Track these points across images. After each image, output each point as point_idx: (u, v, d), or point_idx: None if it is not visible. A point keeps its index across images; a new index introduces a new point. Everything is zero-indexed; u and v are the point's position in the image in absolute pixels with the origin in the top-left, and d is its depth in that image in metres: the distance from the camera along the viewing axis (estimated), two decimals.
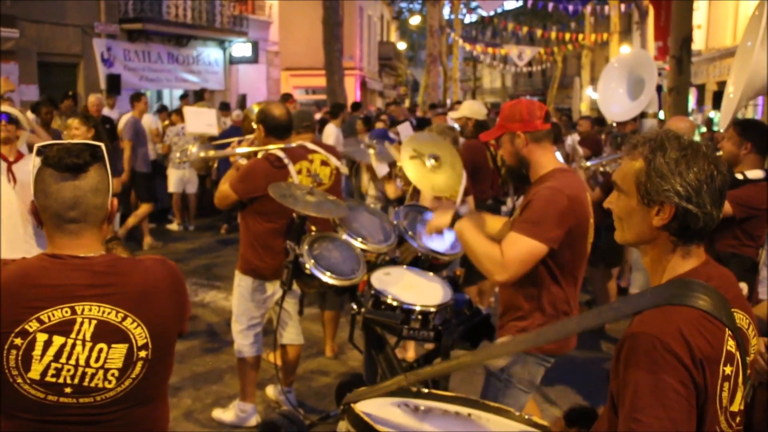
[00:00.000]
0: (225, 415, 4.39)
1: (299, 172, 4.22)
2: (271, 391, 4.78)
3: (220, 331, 5.94)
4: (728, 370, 1.53)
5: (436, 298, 3.36)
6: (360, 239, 3.71)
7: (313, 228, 3.87)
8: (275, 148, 4.13)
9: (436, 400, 2.32)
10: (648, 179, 1.62)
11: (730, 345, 1.55)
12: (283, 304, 4.29)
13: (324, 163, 4.69)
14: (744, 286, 3.70)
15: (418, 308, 3.26)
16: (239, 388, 4.41)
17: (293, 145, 4.25)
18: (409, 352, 5.22)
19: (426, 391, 2.34)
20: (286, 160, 4.15)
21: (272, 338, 4.44)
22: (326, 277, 3.46)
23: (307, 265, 3.47)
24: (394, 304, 3.27)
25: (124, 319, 1.76)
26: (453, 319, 3.33)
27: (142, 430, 1.89)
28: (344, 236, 3.72)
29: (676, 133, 1.66)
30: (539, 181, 2.90)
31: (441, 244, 3.76)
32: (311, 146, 4.70)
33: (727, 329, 1.55)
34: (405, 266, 3.71)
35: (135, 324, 1.77)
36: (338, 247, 3.67)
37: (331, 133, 10.04)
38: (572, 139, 9.65)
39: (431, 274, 3.67)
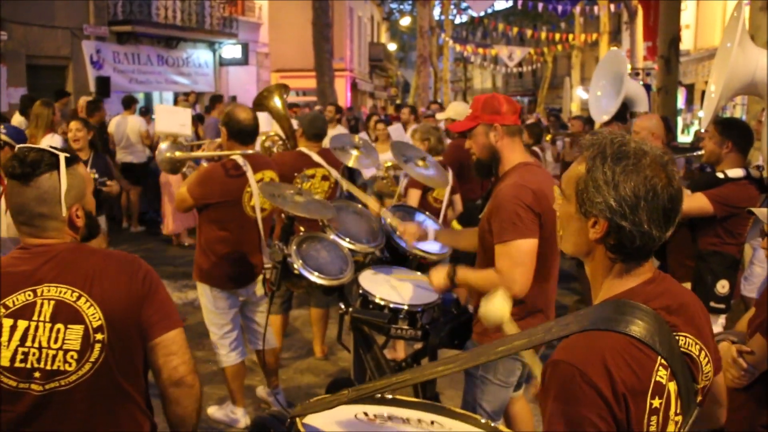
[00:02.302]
0: (219, 413, 4.41)
1: (260, 181, 4.02)
2: (261, 391, 4.80)
3: (208, 332, 5.93)
4: (656, 402, 1.41)
5: (424, 297, 3.39)
6: (348, 239, 3.74)
7: (302, 228, 3.89)
8: (237, 153, 3.95)
9: (401, 406, 2.27)
10: (585, 188, 1.49)
11: (661, 375, 1.42)
12: (248, 313, 4.28)
13: (325, 177, 4.70)
14: (725, 284, 3.75)
15: (405, 307, 3.28)
16: (229, 393, 4.39)
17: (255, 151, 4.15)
18: (399, 351, 5.24)
19: (390, 397, 2.27)
20: (245, 168, 3.96)
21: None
22: (314, 277, 3.48)
23: (296, 265, 3.50)
24: (382, 303, 3.29)
25: (78, 298, 1.82)
26: (441, 318, 3.35)
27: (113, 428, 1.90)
28: (332, 236, 3.74)
29: (624, 138, 1.50)
30: (503, 177, 2.91)
31: (429, 244, 3.80)
32: (316, 159, 4.69)
33: (659, 357, 1.42)
34: (393, 266, 3.74)
35: (88, 304, 1.82)
36: (326, 248, 3.70)
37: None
38: (564, 142, 9.72)
39: (419, 273, 3.69)
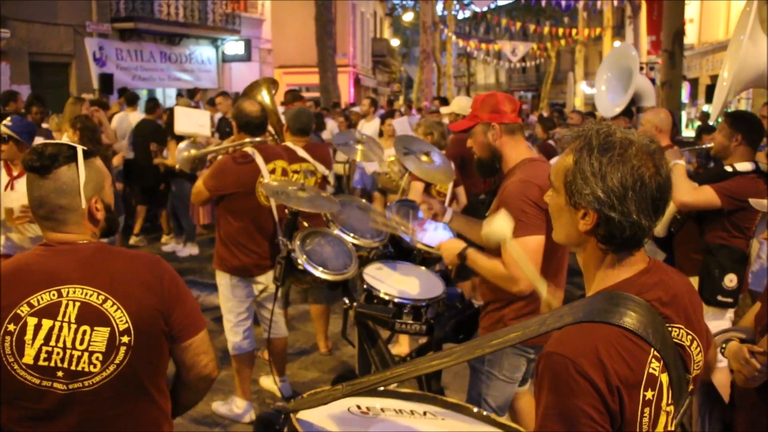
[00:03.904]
0: (223, 408, 4.41)
1: (272, 171, 4.16)
2: (264, 381, 4.80)
3: (211, 329, 5.94)
4: (649, 394, 1.42)
5: (428, 292, 3.37)
6: (352, 234, 3.72)
7: (306, 224, 3.88)
8: (248, 142, 4.07)
9: (393, 398, 2.28)
10: (573, 180, 1.49)
11: (653, 367, 1.43)
12: (264, 302, 4.31)
13: (311, 172, 4.69)
14: (733, 278, 3.72)
15: (410, 302, 3.27)
16: (235, 384, 4.41)
17: (262, 140, 4.21)
18: (403, 346, 5.22)
19: (381, 389, 2.26)
20: (254, 156, 4.08)
21: (261, 335, 4.45)
22: (318, 272, 3.47)
23: (300, 261, 3.49)
24: (386, 298, 3.28)
25: (104, 301, 1.81)
26: (445, 312, 3.34)
27: (136, 428, 1.90)
28: (336, 231, 3.73)
29: (610, 129, 1.49)
30: (509, 174, 2.90)
31: (434, 239, 3.77)
32: (301, 153, 4.70)
33: (652, 349, 1.43)
34: (397, 261, 3.72)
35: (115, 307, 1.81)
36: (330, 242, 3.69)
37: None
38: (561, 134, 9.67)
39: (423, 268, 3.68)
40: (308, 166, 4.70)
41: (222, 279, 4.23)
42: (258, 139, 4.13)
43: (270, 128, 5.39)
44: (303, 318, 6.15)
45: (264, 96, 5.16)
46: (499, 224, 2.40)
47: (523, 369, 3.01)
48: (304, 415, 2.07)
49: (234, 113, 4.18)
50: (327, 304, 5.37)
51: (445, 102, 12.36)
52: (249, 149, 4.09)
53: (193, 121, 5.24)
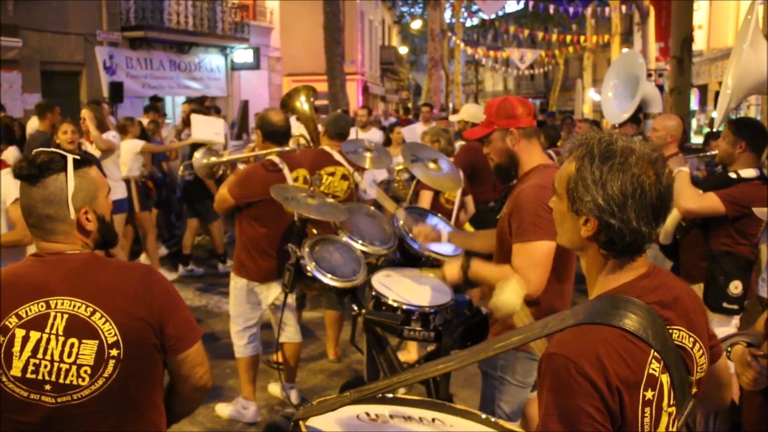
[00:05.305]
0: (227, 409, 4.46)
1: (296, 179, 4.27)
2: (273, 387, 4.83)
3: (220, 335, 5.97)
4: (649, 394, 1.45)
5: (437, 298, 3.39)
6: (361, 241, 3.75)
7: (314, 230, 3.92)
8: (276, 151, 4.19)
9: (402, 405, 2.29)
10: (575, 187, 1.53)
11: (653, 368, 1.46)
12: (279, 305, 4.35)
13: (345, 177, 4.75)
14: (738, 284, 3.72)
15: (418, 309, 3.28)
16: (241, 384, 4.47)
17: (292, 149, 4.32)
18: (411, 353, 5.24)
19: (390, 396, 2.28)
20: (281, 165, 4.21)
21: (274, 340, 4.48)
22: (327, 279, 3.50)
23: (309, 267, 3.51)
24: (395, 305, 3.29)
25: (92, 313, 1.78)
26: (453, 319, 3.35)
27: None
28: (345, 238, 3.76)
29: (611, 138, 1.53)
30: (523, 179, 2.91)
31: (443, 246, 3.80)
32: (337, 157, 4.77)
33: (652, 350, 1.46)
34: (406, 268, 3.74)
35: (103, 320, 1.78)
36: (339, 249, 3.72)
37: None
38: None
39: (432, 275, 3.69)
40: (344, 170, 4.76)
41: (238, 284, 4.30)
42: (287, 148, 4.26)
43: (305, 134, 5.51)
44: (313, 325, 6.18)
45: (302, 103, 5.27)
46: (509, 294, 2.40)
47: (536, 374, 3.02)
48: (313, 422, 2.09)
49: (259, 123, 4.30)
50: (342, 310, 5.40)
51: (431, 108, 12.54)
52: (276, 158, 4.20)
53: (209, 129, 5.35)
